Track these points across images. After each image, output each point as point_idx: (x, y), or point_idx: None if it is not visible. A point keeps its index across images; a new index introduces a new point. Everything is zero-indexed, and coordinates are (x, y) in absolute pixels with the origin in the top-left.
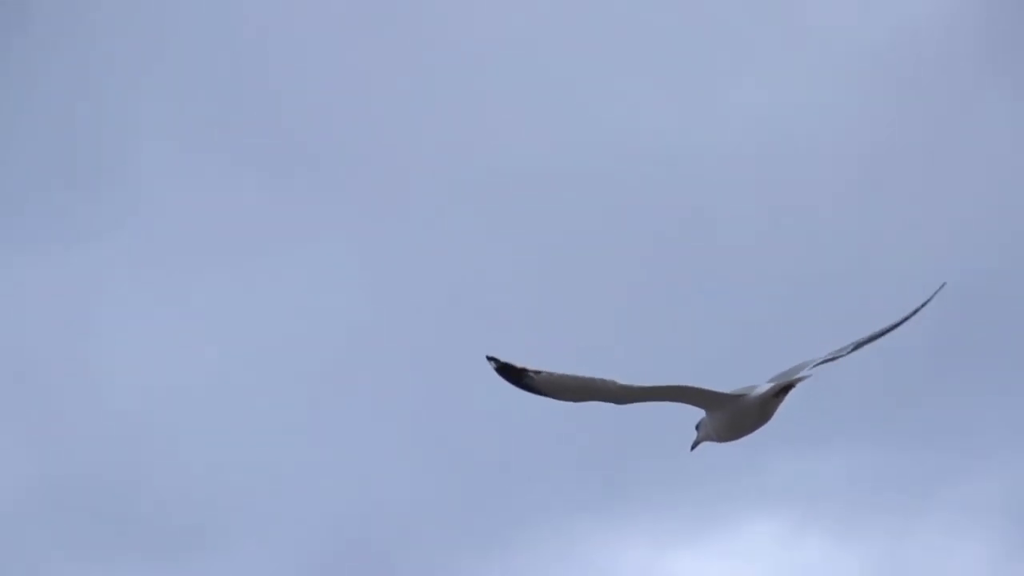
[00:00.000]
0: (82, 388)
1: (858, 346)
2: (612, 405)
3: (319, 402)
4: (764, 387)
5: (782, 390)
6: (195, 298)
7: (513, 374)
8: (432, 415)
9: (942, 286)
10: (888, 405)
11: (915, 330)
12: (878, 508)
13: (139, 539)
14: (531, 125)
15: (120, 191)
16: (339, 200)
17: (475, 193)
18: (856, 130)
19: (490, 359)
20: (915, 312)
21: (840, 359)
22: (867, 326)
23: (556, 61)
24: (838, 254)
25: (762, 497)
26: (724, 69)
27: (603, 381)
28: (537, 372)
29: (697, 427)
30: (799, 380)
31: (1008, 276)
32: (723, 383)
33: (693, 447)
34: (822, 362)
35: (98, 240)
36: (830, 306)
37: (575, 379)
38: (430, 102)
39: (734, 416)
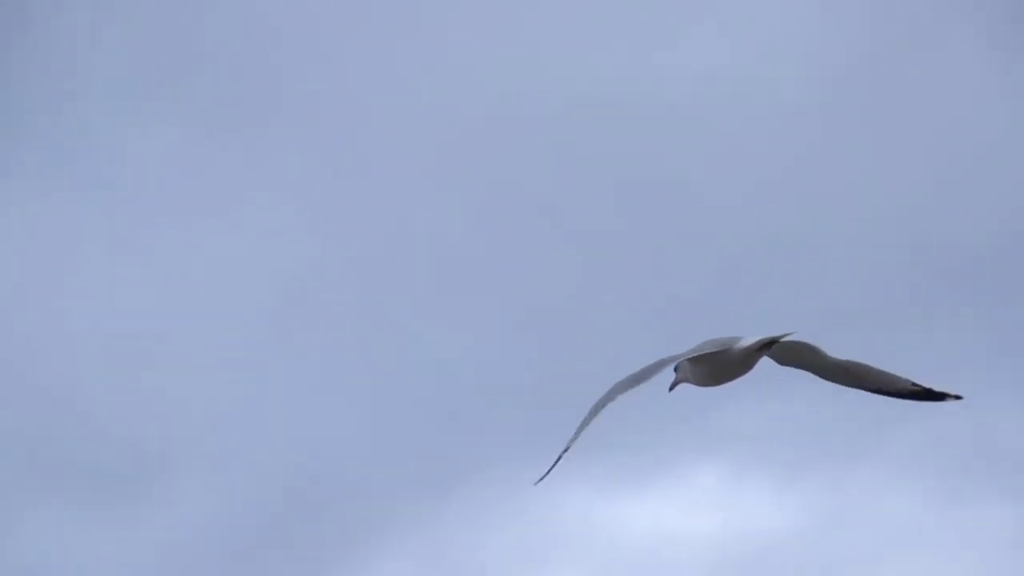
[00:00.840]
0: (24, 335)
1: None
2: None
3: (265, 347)
4: (749, 339)
5: (766, 344)
6: (141, 246)
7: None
8: (378, 361)
9: (958, 399)
10: (830, 352)
11: (857, 282)
12: (819, 454)
13: (84, 484)
14: (480, 75)
15: (68, 144)
16: (285, 151)
17: (422, 144)
18: (816, 79)
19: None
20: (902, 394)
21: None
22: (828, 283)
23: (505, 9)
24: (795, 210)
25: (704, 443)
26: (680, 19)
27: (610, 400)
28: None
29: (676, 369)
30: (784, 336)
31: (955, 230)
32: (678, 341)
33: (671, 388)
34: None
35: (44, 191)
36: (787, 262)
37: (593, 418)
38: (374, 54)
39: (718, 366)
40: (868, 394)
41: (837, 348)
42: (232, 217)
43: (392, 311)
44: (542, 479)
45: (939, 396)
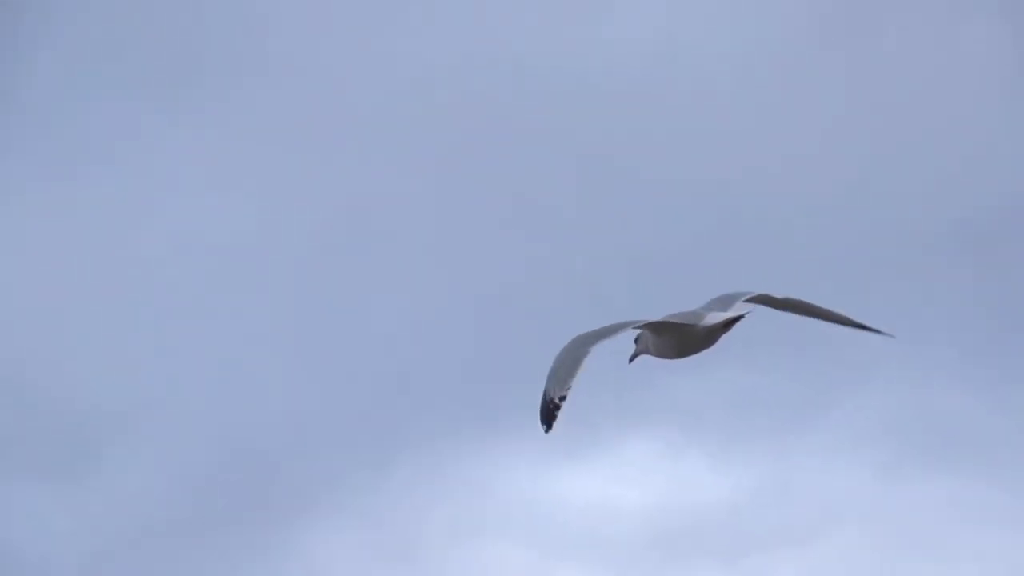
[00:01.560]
0: None
1: (787, 304)
2: None
3: (211, 316)
4: (713, 316)
5: (730, 322)
6: (85, 215)
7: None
8: (323, 332)
9: (892, 336)
10: (768, 325)
11: (792, 251)
12: (756, 427)
13: (29, 454)
14: (427, 50)
15: (14, 106)
16: (230, 123)
17: (366, 117)
18: (754, 52)
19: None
20: (854, 324)
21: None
22: (774, 251)
23: None
24: (743, 178)
25: (642, 416)
26: None
27: (583, 351)
28: (562, 398)
29: (636, 340)
30: (745, 314)
31: (890, 197)
32: (627, 310)
33: (631, 360)
34: (753, 298)
35: None
36: (737, 231)
37: (562, 369)
38: (322, 29)
39: (681, 341)
40: (804, 367)
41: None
42: (176, 187)
43: (338, 282)
44: (549, 429)
45: (872, 329)
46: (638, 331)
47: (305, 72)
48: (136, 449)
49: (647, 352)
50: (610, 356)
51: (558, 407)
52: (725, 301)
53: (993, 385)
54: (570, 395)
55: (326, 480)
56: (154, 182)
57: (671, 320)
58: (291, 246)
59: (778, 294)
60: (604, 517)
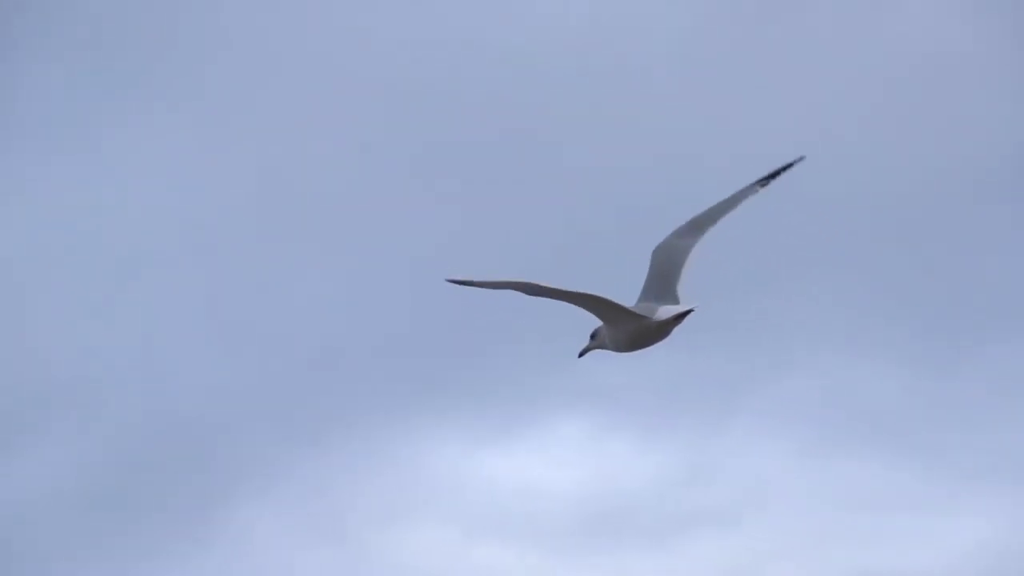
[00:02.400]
0: None
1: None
2: (517, 295)
3: (140, 292)
4: (665, 309)
5: (682, 315)
6: (15, 183)
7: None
8: (251, 309)
9: (799, 159)
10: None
11: (725, 234)
12: (683, 409)
13: None
14: (354, 23)
15: None
16: (152, 93)
17: (289, 91)
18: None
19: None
20: (771, 177)
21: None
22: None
23: None
24: (666, 158)
25: (570, 398)
26: None
27: (522, 282)
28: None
29: (593, 336)
30: (695, 308)
31: (817, 182)
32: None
33: (581, 354)
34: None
35: None
36: (658, 202)
37: (500, 282)
38: (252, 5)
39: (636, 333)
40: (730, 350)
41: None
42: (106, 164)
43: (270, 257)
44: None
45: (783, 168)
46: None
47: (235, 48)
48: (65, 425)
49: (603, 347)
50: (540, 339)
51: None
52: (667, 271)
53: (915, 369)
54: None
55: (255, 458)
56: (83, 160)
57: (624, 306)
58: (223, 221)
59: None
60: (532, 498)
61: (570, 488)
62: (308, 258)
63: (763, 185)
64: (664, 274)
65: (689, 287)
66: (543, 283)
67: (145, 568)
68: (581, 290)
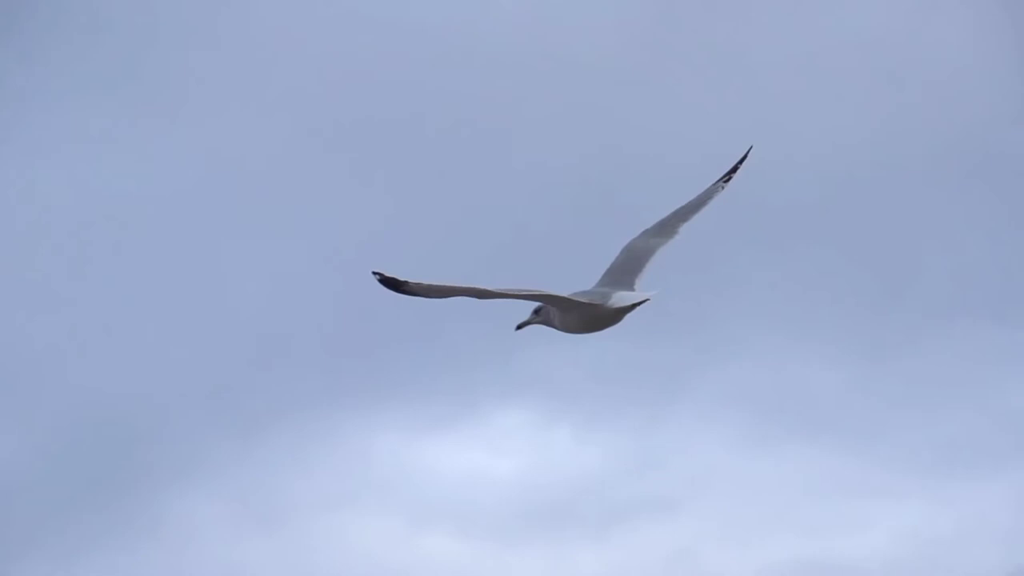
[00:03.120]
0: None
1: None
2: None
3: (76, 281)
4: (620, 296)
5: (638, 304)
6: None
7: (393, 285)
8: (192, 301)
9: (749, 149)
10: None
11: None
12: (625, 398)
13: None
14: (291, 5)
15: None
16: (88, 80)
17: (230, 81)
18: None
19: (375, 274)
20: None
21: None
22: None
23: None
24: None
25: (511, 387)
26: None
27: (472, 288)
28: (415, 283)
29: (536, 311)
30: (650, 296)
31: (758, 171)
32: (508, 273)
33: (520, 327)
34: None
35: None
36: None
37: (443, 287)
38: None
39: (591, 319)
40: (673, 339)
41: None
42: (44, 154)
43: (211, 247)
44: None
45: (739, 162)
46: (538, 302)
47: (175, 33)
48: (1, 414)
49: (547, 324)
50: (485, 327)
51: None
52: (632, 263)
53: (855, 358)
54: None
55: (196, 447)
56: (17, 144)
57: (577, 299)
58: (161, 211)
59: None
60: (476, 487)
61: (512, 477)
62: (248, 247)
63: (726, 181)
64: (628, 268)
65: (648, 280)
66: (492, 288)
67: (83, 557)
68: (534, 290)
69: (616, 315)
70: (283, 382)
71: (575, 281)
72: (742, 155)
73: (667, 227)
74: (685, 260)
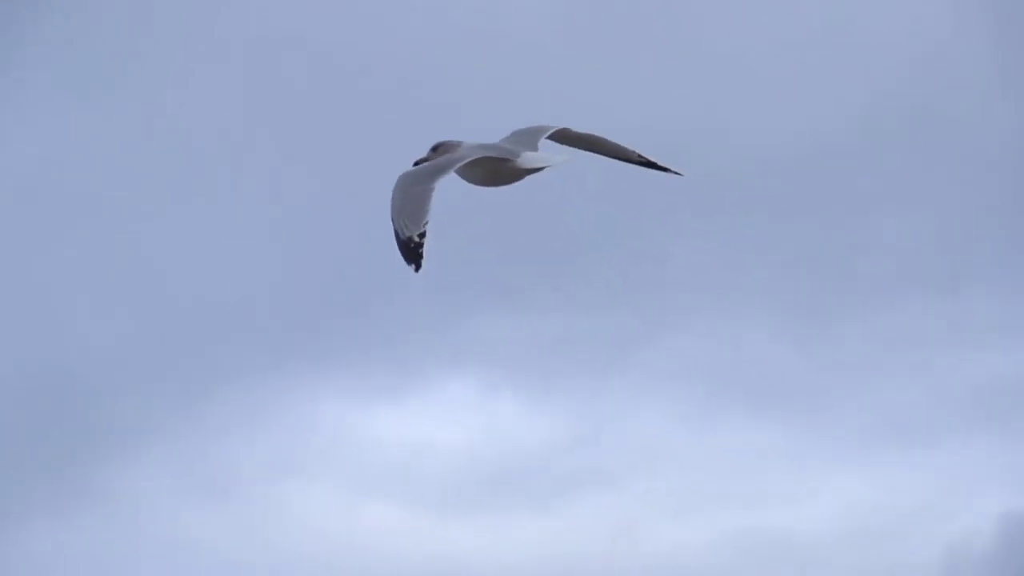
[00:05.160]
0: None
1: (583, 140)
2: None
3: (20, 248)
4: (532, 157)
5: (545, 166)
6: None
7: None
8: (135, 268)
9: (680, 174)
10: (582, 269)
11: (604, 194)
12: (571, 368)
13: None
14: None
15: None
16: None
17: (172, 49)
18: None
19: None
20: (644, 162)
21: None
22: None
23: None
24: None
25: (456, 355)
26: None
27: (427, 187)
28: (421, 235)
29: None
30: (562, 162)
31: (698, 146)
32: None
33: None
34: (554, 134)
35: None
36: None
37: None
38: None
39: (493, 174)
40: (621, 310)
41: None
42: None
43: (156, 219)
44: (419, 268)
45: (662, 168)
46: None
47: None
48: None
49: (451, 171)
50: (429, 295)
51: (420, 244)
52: (529, 135)
53: (799, 332)
54: (429, 231)
55: (142, 416)
56: None
57: (492, 155)
58: (102, 177)
59: (578, 129)
60: (420, 457)
61: (458, 448)
62: (195, 216)
63: (642, 161)
64: (531, 132)
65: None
66: (415, 173)
67: (29, 524)
68: (471, 157)
69: (521, 174)
70: (229, 351)
71: None
72: (669, 168)
73: (566, 135)
74: (631, 230)
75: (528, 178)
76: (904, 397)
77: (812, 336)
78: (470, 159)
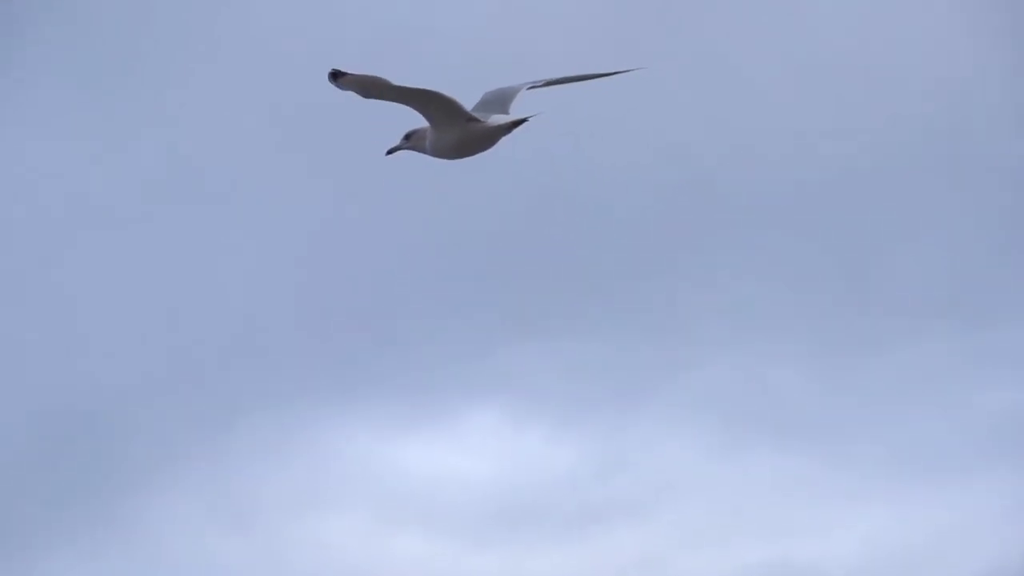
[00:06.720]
0: None
1: (556, 82)
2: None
3: (44, 272)
4: (499, 116)
5: (515, 124)
6: None
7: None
8: (159, 297)
9: (641, 68)
10: (608, 299)
11: (632, 223)
12: (596, 400)
13: None
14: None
15: None
16: (46, 65)
17: (191, 69)
18: None
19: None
20: (604, 75)
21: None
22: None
23: None
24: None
25: (481, 386)
26: None
27: (378, 77)
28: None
29: (407, 136)
30: (530, 116)
31: (723, 175)
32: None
33: (390, 152)
34: (531, 87)
35: None
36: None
37: (363, 76)
38: None
39: (465, 139)
40: (645, 340)
41: None
42: (11, 134)
43: (179, 245)
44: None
45: (620, 72)
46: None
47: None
48: None
49: (418, 150)
50: (455, 327)
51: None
52: (499, 99)
53: (825, 363)
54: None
55: (167, 446)
56: None
57: (457, 103)
58: (127, 202)
59: (540, 81)
60: (446, 487)
61: (483, 478)
62: (221, 243)
63: (607, 75)
64: (499, 98)
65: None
66: (383, 79)
67: (53, 556)
68: (420, 86)
69: (491, 136)
70: (255, 380)
71: None
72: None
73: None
74: (659, 262)
75: (553, 209)
76: (931, 430)
77: (838, 368)
78: (456, 102)
